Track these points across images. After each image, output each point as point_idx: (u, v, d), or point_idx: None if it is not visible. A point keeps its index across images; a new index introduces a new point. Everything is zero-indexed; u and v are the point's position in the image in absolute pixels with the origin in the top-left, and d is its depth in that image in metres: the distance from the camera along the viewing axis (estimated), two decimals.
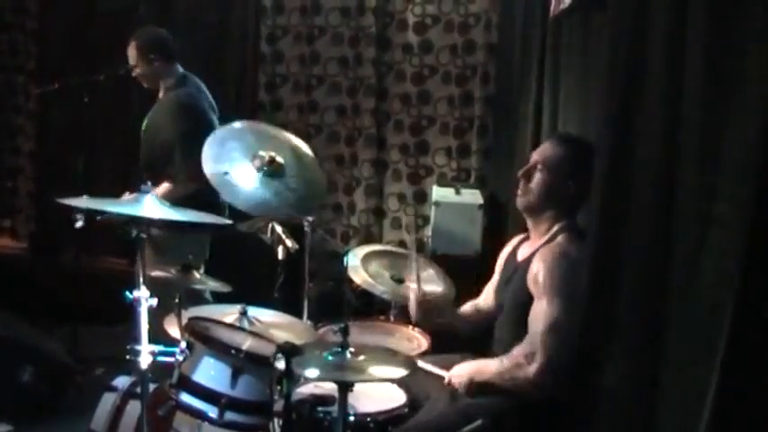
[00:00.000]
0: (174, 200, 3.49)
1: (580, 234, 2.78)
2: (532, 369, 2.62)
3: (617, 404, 2.13)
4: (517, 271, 2.91)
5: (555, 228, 2.85)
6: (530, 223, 2.95)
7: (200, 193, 3.79)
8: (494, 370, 2.74)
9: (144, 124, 4.31)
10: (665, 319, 1.89)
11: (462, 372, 2.83)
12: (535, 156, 2.90)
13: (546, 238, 2.85)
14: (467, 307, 3.29)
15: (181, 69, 4.30)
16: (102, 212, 2.69)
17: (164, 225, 3.74)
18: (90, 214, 3.09)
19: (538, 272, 2.73)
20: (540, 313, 2.67)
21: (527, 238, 3.02)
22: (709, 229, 1.73)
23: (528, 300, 2.75)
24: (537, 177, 2.85)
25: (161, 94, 4.29)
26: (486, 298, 3.21)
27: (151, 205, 2.67)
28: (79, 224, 3.38)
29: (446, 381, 2.86)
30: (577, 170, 2.80)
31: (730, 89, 1.69)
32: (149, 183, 2.80)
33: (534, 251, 2.84)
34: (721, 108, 1.73)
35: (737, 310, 1.60)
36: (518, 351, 2.69)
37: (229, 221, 3.38)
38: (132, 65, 4.24)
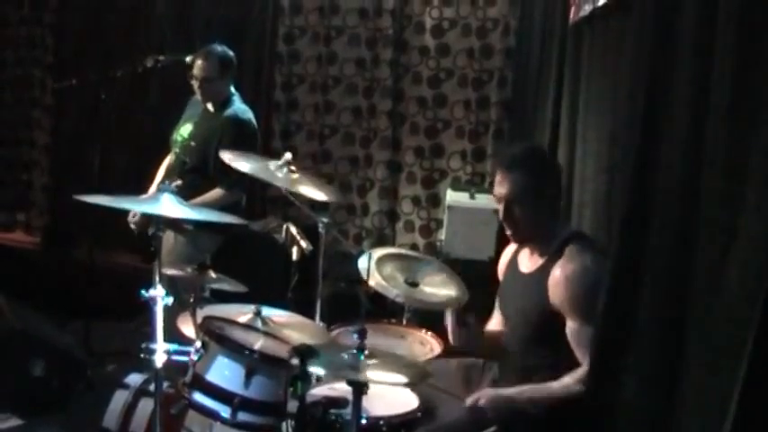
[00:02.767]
0: (225, 205, 3.91)
1: (583, 238, 2.78)
2: (582, 371, 2.58)
3: (634, 417, 2.11)
4: (522, 282, 2.84)
5: (557, 240, 2.77)
6: (530, 246, 2.88)
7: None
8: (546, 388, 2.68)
9: (186, 132, 4.29)
10: (686, 330, 1.88)
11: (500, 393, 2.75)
12: (496, 194, 2.82)
13: (552, 250, 2.76)
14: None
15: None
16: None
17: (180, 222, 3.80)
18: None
19: (565, 294, 2.66)
20: (580, 332, 2.62)
21: (524, 247, 2.94)
22: (734, 241, 1.71)
23: (542, 316, 2.70)
24: (515, 212, 2.77)
25: (210, 107, 4.28)
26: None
27: (169, 203, 2.67)
28: (151, 231, 3.39)
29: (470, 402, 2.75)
30: (540, 182, 2.77)
31: (758, 98, 1.67)
32: (173, 182, 2.82)
33: (543, 265, 2.77)
34: (748, 118, 1.71)
35: (761, 323, 1.58)
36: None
37: (244, 221, 3.38)
38: (205, 76, 4.19)
